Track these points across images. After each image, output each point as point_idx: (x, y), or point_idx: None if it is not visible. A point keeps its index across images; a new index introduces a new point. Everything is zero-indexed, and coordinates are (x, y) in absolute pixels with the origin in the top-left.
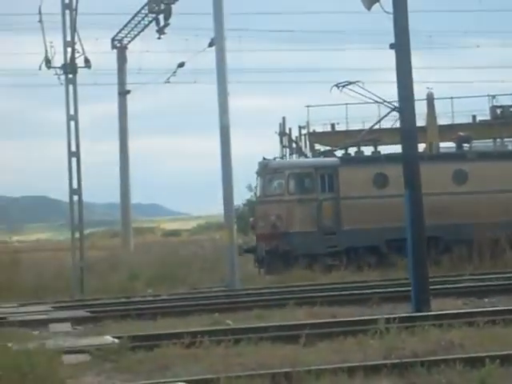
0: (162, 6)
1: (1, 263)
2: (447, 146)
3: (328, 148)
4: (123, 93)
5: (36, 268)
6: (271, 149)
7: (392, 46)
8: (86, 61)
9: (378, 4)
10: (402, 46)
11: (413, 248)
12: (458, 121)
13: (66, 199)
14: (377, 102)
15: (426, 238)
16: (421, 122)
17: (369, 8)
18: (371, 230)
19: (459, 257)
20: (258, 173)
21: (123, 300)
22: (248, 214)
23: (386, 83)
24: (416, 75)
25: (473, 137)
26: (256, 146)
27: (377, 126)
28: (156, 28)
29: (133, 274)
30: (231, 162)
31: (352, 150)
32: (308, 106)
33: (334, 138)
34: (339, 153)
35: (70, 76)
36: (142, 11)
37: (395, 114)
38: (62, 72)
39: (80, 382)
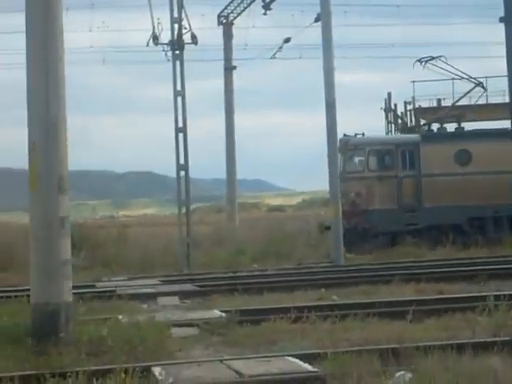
0: None
1: (109, 237)
2: None
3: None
4: (229, 69)
5: (143, 242)
6: (377, 125)
7: (501, 20)
8: (193, 37)
9: None
10: None
11: None
12: None
13: (172, 175)
14: (462, 77)
15: None
16: None
17: None
18: (453, 207)
19: None
20: (340, 150)
21: (230, 275)
22: None
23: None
24: None
25: None
26: (361, 122)
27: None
28: (262, 4)
29: (238, 249)
30: (337, 137)
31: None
32: (413, 82)
33: (440, 113)
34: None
35: (177, 52)
36: None
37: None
38: (169, 48)
39: (189, 354)
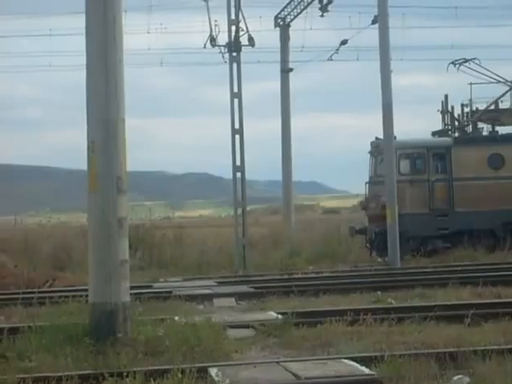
0: None
1: (165, 238)
2: None
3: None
4: (286, 71)
5: (199, 243)
6: (434, 127)
7: None
8: (250, 39)
9: None
10: None
11: None
12: None
13: (228, 176)
14: (499, 81)
15: None
16: None
17: None
18: (485, 212)
19: None
20: (371, 153)
21: (285, 276)
22: None
23: None
24: None
25: None
26: (418, 124)
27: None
28: (319, 6)
29: (294, 251)
30: (393, 139)
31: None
32: (471, 84)
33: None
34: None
35: (234, 54)
36: None
37: None
38: (226, 50)
39: (245, 356)
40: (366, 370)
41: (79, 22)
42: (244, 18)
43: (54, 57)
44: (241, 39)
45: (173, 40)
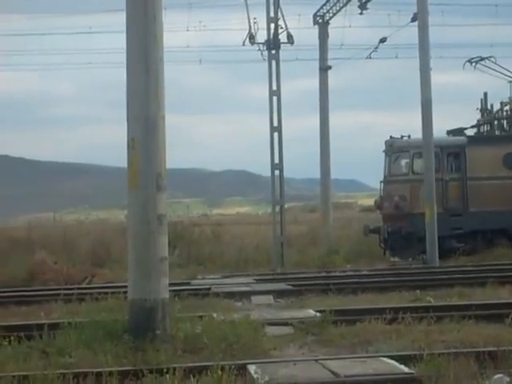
0: None
1: (203, 236)
2: None
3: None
4: (324, 68)
5: (237, 241)
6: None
7: None
8: (289, 36)
9: None
10: None
11: None
12: None
13: (266, 174)
14: None
15: None
16: None
17: None
18: (500, 212)
19: None
20: (385, 152)
21: (323, 274)
22: None
23: None
24: None
25: None
26: (458, 122)
27: None
28: (358, 3)
29: (332, 249)
30: (432, 137)
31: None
32: (510, 82)
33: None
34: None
35: (273, 52)
36: None
37: None
38: (264, 48)
39: (283, 353)
40: (405, 369)
41: (119, 19)
42: (283, 16)
43: (94, 54)
44: (280, 37)
45: (212, 38)
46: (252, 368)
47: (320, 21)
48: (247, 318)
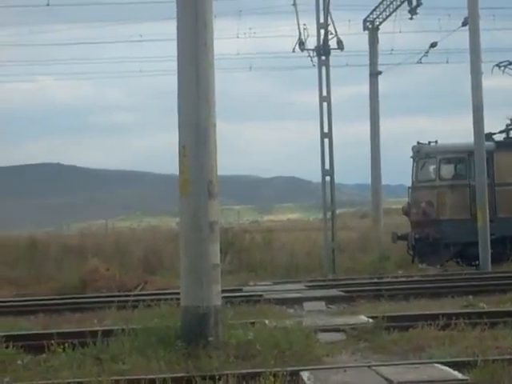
0: None
1: (254, 242)
2: None
3: None
4: (375, 74)
5: (288, 247)
6: None
7: None
8: (339, 42)
9: None
10: None
11: None
12: None
13: (316, 180)
14: None
15: None
16: None
17: None
18: None
19: None
20: (412, 157)
21: (375, 280)
22: None
23: None
24: None
25: None
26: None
27: None
28: (408, 8)
29: (383, 255)
30: (483, 142)
31: None
32: None
33: None
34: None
35: (323, 58)
36: None
37: None
38: (315, 54)
39: (336, 360)
40: (459, 375)
41: (169, 27)
42: (333, 22)
43: (145, 62)
44: (329, 43)
45: (261, 44)
46: (305, 375)
47: (370, 26)
48: (299, 325)
